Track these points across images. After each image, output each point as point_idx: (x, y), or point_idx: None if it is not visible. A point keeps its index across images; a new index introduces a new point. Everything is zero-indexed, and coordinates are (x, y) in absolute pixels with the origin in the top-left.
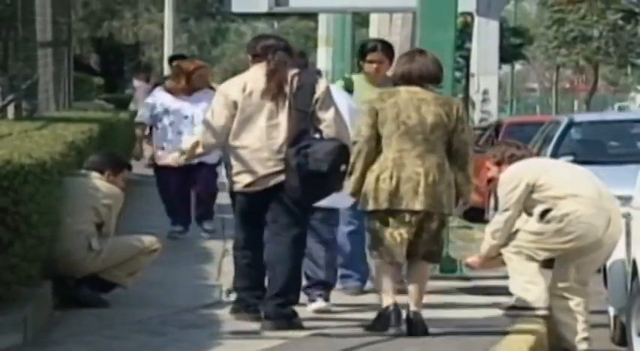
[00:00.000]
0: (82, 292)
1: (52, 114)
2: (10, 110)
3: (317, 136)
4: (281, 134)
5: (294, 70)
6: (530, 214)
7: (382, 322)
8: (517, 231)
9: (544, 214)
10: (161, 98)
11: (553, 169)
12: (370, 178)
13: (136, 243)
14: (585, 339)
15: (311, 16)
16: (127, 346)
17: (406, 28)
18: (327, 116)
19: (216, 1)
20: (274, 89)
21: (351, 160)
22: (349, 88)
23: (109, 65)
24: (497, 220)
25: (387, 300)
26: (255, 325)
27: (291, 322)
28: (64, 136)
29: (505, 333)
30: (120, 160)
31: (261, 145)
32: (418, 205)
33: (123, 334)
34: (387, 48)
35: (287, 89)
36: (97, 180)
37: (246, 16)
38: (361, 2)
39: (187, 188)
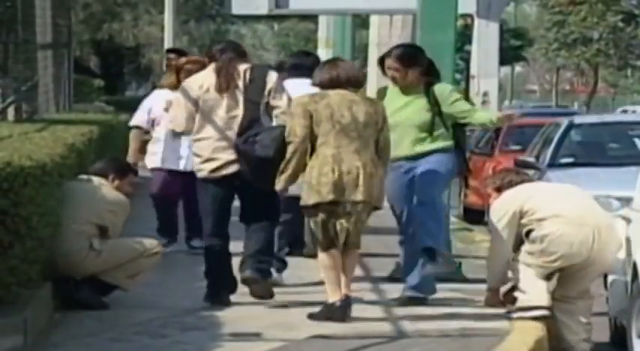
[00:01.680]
0: (82, 294)
1: (52, 116)
2: (11, 112)
3: (274, 123)
4: (238, 125)
5: (246, 65)
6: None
7: (328, 314)
8: (521, 252)
9: (528, 234)
10: (157, 99)
11: (538, 193)
12: (312, 174)
13: (136, 245)
14: (585, 340)
15: (311, 17)
16: (128, 348)
17: (406, 30)
18: (280, 103)
19: (216, 3)
20: (223, 83)
21: (286, 158)
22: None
23: (109, 67)
24: (489, 248)
25: (335, 295)
26: (255, 328)
27: (267, 276)
28: (64, 138)
29: (505, 335)
30: (124, 165)
31: (220, 136)
32: (359, 196)
33: (123, 336)
34: (401, 55)
35: (240, 83)
36: (103, 185)
37: (246, 18)
38: (361, 4)
39: (175, 196)
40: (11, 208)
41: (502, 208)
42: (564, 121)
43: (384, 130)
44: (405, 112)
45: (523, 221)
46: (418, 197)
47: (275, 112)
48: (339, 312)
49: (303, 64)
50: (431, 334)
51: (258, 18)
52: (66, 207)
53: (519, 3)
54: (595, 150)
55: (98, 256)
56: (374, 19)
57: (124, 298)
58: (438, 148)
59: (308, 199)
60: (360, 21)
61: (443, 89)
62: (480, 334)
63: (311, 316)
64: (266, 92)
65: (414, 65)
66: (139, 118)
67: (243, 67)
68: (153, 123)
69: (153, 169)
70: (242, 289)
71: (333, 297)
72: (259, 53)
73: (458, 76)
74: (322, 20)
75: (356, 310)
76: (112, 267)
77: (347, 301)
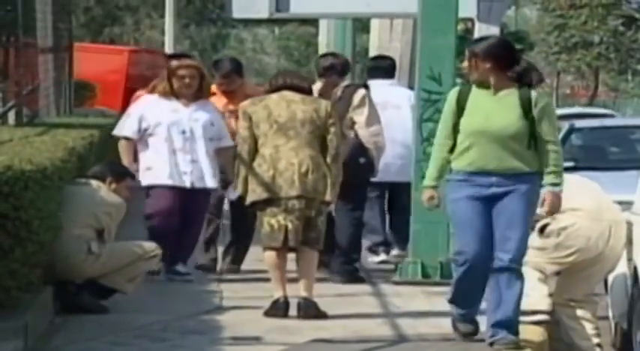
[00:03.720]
0: (82, 298)
1: (53, 120)
2: (11, 116)
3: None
4: None
5: (343, 84)
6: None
7: (271, 311)
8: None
9: (543, 228)
10: (150, 106)
11: None
12: (252, 173)
13: (135, 248)
14: (598, 345)
15: (312, 21)
16: None
17: (407, 34)
18: (360, 119)
19: (216, 6)
20: None
21: (237, 161)
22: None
23: None
24: None
25: (278, 292)
26: (255, 332)
27: (354, 276)
28: (64, 142)
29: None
30: (122, 169)
31: None
32: (294, 192)
33: (124, 340)
34: (482, 47)
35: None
36: (100, 188)
37: (246, 22)
38: (362, 8)
39: (176, 216)
40: (12, 211)
41: None
42: (565, 125)
43: (328, 127)
44: (493, 118)
45: (537, 212)
46: (502, 248)
47: (355, 126)
48: (279, 309)
49: (380, 66)
50: (432, 338)
51: (258, 22)
52: (65, 210)
53: (520, 7)
54: (596, 154)
55: (97, 260)
56: (374, 23)
57: (124, 302)
58: (532, 171)
59: (247, 198)
60: (361, 25)
61: (540, 95)
62: (481, 339)
63: (265, 313)
64: (351, 108)
65: (497, 59)
66: (128, 128)
67: (339, 88)
68: (144, 132)
69: (149, 187)
70: (243, 294)
71: (277, 294)
72: (260, 57)
73: (459, 80)
74: (323, 24)
75: (358, 314)
76: (112, 270)
77: (308, 302)
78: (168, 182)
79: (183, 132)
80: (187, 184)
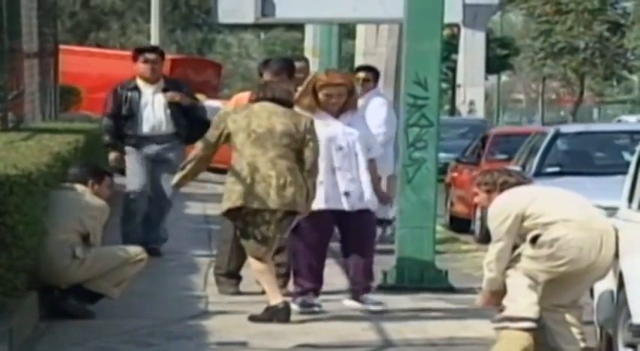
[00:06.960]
0: (68, 303)
1: (38, 125)
2: None
3: None
4: None
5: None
6: (525, 241)
7: (269, 316)
8: (519, 255)
9: (535, 239)
10: None
11: (541, 196)
12: (228, 182)
13: (120, 253)
14: (584, 349)
15: (297, 27)
16: None
17: (392, 39)
18: None
19: (202, 12)
20: None
21: (187, 159)
22: None
23: None
24: (490, 253)
25: (276, 298)
26: (241, 337)
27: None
28: (50, 146)
29: (491, 344)
30: (99, 169)
31: None
32: (272, 205)
33: (110, 345)
34: None
35: None
36: (84, 192)
37: (232, 27)
38: (348, 13)
39: (328, 244)
40: None
41: (503, 211)
42: (550, 130)
43: (305, 141)
44: None
45: (525, 224)
46: None
47: None
48: (281, 314)
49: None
50: (417, 343)
51: (244, 27)
52: (50, 215)
53: (505, 12)
54: (581, 159)
55: (82, 265)
56: (360, 29)
57: (110, 307)
58: None
59: (222, 206)
60: (347, 30)
61: None
62: (466, 343)
63: (252, 318)
64: None
65: None
66: None
67: None
68: None
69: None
70: (229, 299)
71: (275, 299)
72: (245, 62)
73: (444, 85)
74: (309, 29)
75: (343, 319)
76: (97, 275)
77: (286, 307)
78: (324, 206)
79: (341, 148)
80: (346, 207)
